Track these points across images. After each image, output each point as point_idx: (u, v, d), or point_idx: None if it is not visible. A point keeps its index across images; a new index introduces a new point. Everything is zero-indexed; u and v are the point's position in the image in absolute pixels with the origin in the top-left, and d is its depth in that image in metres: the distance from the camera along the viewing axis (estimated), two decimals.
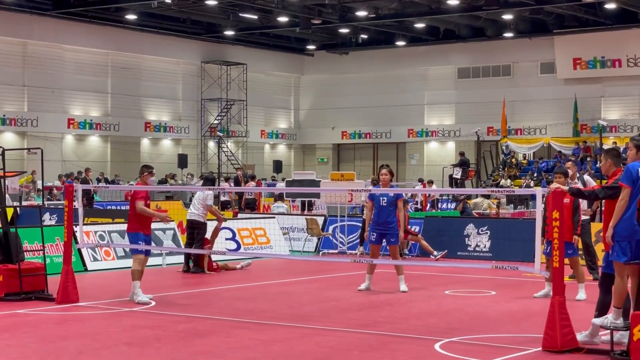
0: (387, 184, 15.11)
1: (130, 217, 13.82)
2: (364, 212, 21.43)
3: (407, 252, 20.95)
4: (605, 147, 40.64)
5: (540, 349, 9.78)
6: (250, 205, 31.07)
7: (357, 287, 15.37)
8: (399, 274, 15.10)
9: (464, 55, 51.63)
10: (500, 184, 42.20)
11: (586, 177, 17.69)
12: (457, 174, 40.85)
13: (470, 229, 20.95)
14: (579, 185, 15.87)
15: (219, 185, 38.88)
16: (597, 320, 9.85)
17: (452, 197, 32.67)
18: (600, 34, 46.29)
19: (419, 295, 14.60)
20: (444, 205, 33.37)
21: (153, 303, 13.36)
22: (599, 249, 18.78)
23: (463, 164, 41.64)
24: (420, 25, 48.23)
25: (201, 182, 22.06)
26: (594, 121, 44.99)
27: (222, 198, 31.94)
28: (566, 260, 12.11)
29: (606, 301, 9.93)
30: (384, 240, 15.04)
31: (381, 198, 14.96)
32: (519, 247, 18.68)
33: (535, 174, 43.15)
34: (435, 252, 20.28)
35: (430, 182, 38.84)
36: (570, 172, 16.22)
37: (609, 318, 9.65)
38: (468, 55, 51.47)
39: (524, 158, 47.62)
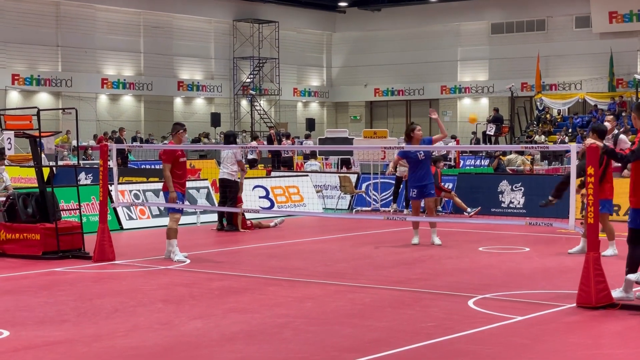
0: (419, 140, 15.21)
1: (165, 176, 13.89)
2: (397, 169, 21.35)
3: (440, 209, 20.92)
4: None
5: (574, 305, 9.76)
6: (287, 164, 31.11)
7: (390, 244, 15.44)
8: (431, 227, 15.36)
9: (497, 10, 51.10)
10: (535, 140, 41.91)
11: (622, 136, 17.52)
12: (491, 130, 40.60)
13: (504, 185, 20.86)
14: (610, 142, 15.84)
15: (245, 141, 38.95)
16: (632, 276, 9.80)
17: (486, 154, 32.50)
18: None
19: (452, 252, 14.60)
20: (477, 162, 33.20)
21: (188, 261, 13.48)
22: (625, 205, 18.67)
23: (497, 120, 41.37)
24: None
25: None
26: (630, 76, 44.48)
27: (250, 156, 32.03)
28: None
29: (635, 256, 9.86)
30: (423, 194, 15.21)
31: (419, 153, 15.03)
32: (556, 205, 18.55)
33: (570, 130, 42.79)
34: (468, 209, 20.23)
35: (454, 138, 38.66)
36: (609, 125, 16.21)
37: None
38: (501, 10, 50.93)
39: (559, 114, 47.22)
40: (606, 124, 17.14)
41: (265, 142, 37.38)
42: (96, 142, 37.78)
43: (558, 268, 12.82)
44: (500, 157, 27.43)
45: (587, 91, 46.83)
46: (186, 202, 18.89)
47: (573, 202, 10.41)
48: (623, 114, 42.03)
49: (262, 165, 30.54)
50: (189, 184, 20.22)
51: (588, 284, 9.66)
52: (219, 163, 18.68)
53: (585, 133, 39.19)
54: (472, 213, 20.17)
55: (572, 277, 10.54)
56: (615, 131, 17.19)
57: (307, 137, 42.58)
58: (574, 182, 10.38)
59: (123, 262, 13.49)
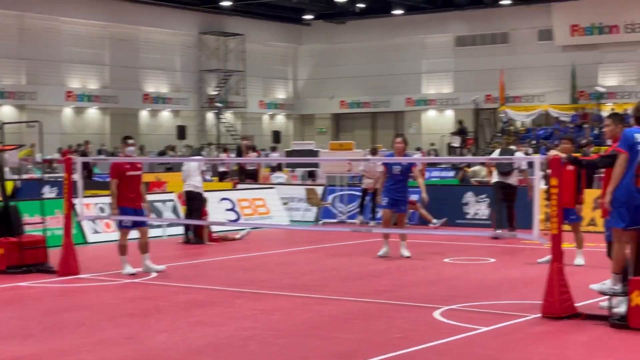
0: (401, 152, 15.27)
1: (118, 192, 13.78)
2: (363, 181, 21.50)
3: (406, 221, 20.96)
4: (603, 113, 40.71)
5: (540, 315, 9.83)
6: (253, 176, 31.04)
7: (356, 256, 15.48)
8: (402, 239, 15.31)
9: (462, 23, 51.47)
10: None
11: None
12: (456, 142, 40.86)
13: (469, 197, 20.99)
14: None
15: (217, 155, 38.86)
16: (596, 286, 9.90)
17: (451, 166, 32.69)
18: (598, 0, 46.14)
19: (418, 263, 14.66)
20: (443, 174, 33.39)
21: (153, 274, 13.42)
22: (598, 215, 18.88)
23: (461, 132, 41.65)
24: None
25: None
26: (592, 88, 44.97)
27: (220, 169, 31.93)
28: (567, 227, 12.19)
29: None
30: (395, 207, 15.16)
31: (394, 167, 15.07)
32: (518, 215, 18.68)
33: (533, 142, 43.14)
34: (434, 220, 20.33)
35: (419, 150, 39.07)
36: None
37: (607, 284, 9.70)
38: (466, 23, 51.31)
39: (522, 126, 47.60)
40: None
41: (234, 155, 37.29)
42: (61, 155, 37.51)
43: (523, 279, 12.91)
44: (465, 168, 27.59)
45: (550, 103, 47.24)
46: (152, 215, 18.84)
47: (537, 213, 10.50)
48: (585, 125, 42.48)
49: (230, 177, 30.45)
50: (154, 197, 20.18)
51: (553, 294, 9.74)
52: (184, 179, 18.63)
53: (549, 144, 39.57)
54: (437, 224, 20.27)
55: (537, 287, 10.62)
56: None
57: (273, 149, 42.59)
58: (537, 193, 10.47)
59: (88, 276, 13.41)
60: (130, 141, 14.16)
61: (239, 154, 33.85)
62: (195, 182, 18.07)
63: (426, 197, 15.79)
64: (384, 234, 15.45)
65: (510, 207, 18.24)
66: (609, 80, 47.37)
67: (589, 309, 9.97)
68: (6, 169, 15.58)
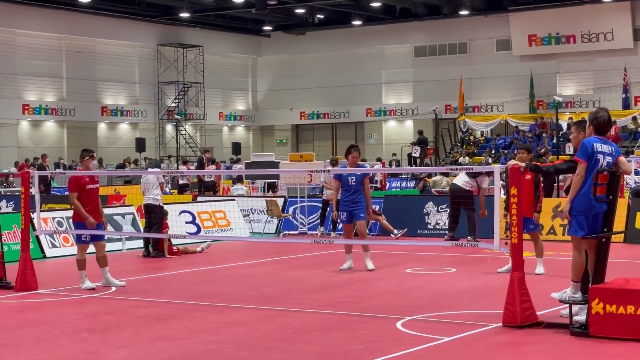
0: (354, 164, 15.18)
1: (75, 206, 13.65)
2: (324, 192, 21.48)
3: (367, 232, 20.97)
4: (561, 122, 41.13)
5: (500, 324, 9.86)
6: (211, 188, 30.94)
7: (318, 268, 15.43)
8: (365, 251, 15.16)
9: (421, 34, 51.75)
10: (459, 161, 42.44)
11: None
12: (416, 152, 40.99)
13: (429, 207, 21.06)
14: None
15: (177, 168, 38.70)
16: (556, 295, 9.95)
17: (411, 176, 32.81)
18: (555, 10, 46.67)
19: (380, 274, 14.65)
20: (403, 184, 33.50)
21: (112, 289, 13.29)
22: (557, 224, 19.04)
23: (421, 142, 41.79)
24: (376, 4, 48.25)
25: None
26: (550, 97, 45.38)
27: (181, 181, 31.76)
28: (527, 236, 12.26)
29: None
30: (353, 218, 15.10)
31: (350, 178, 15.01)
32: (478, 224, 18.78)
33: (493, 151, 43.45)
34: (395, 231, 20.36)
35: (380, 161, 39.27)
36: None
37: (567, 292, 9.75)
38: (424, 33, 51.60)
39: (482, 135, 47.95)
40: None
41: (193, 167, 37.14)
42: (17, 169, 37.10)
43: (484, 288, 12.95)
44: (426, 178, 27.70)
45: (508, 113, 47.63)
46: (110, 229, 18.68)
47: (497, 222, 10.55)
48: (544, 135, 42.86)
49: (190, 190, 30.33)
50: (113, 210, 20.02)
51: (513, 303, 9.78)
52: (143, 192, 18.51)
53: (507, 153, 39.86)
54: (399, 235, 20.30)
55: (498, 296, 10.66)
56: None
57: (237, 161, 42.43)
58: (498, 202, 10.51)
59: (46, 291, 13.24)
60: (93, 155, 14.03)
61: (201, 166, 33.75)
62: (154, 195, 17.95)
63: (370, 214, 15.87)
64: (347, 248, 15.29)
65: (470, 215, 18.34)
66: (566, 89, 47.90)
67: (551, 318, 10.01)
68: None
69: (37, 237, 17.64)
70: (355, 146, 15.60)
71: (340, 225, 16.30)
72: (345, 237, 15.50)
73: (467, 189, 18.38)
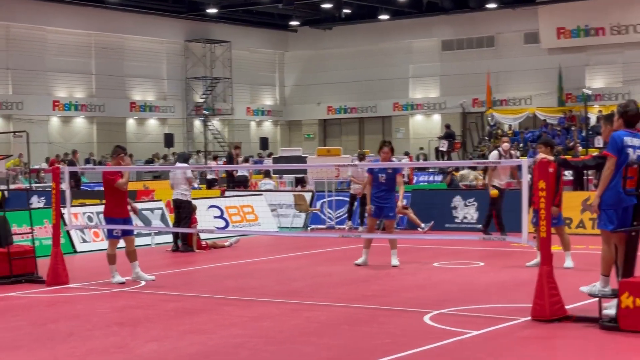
0: (387, 160, 15.13)
1: (106, 201, 13.78)
2: (351, 186, 21.51)
3: (395, 226, 20.97)
4: (590, 116, 40.84)
5: (529, 318, 9.84)
6: (243, 183, 31.04)
7: (346, 262, 15.44)
8: (392, 247, 15.03)
9: (448, 28, 51.55)
10: (487, 155, 42.24)
11: (517, 152, 18.63)
12: (443, 146, 40.91)
13: (457, 201, 21.02)
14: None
15: (205, 163, 38.85)
16: (585, 289, 9.91)
17: (439, 170, 32.75)
18: (584, 2, 46.32)
19: (408, 268, 14.66)
20: (431, 178, 33.44)
21: (142, 283, 13.40)
22: (587, 218, 18.94)
23: (449, 136, 41.70)
24: None
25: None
26: (579, 90, 45.07)
27: (209, 176, 31.91)
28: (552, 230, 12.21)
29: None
30: (382, 214, 15.06)
31: (380, 175, 14.96)
32: (506, 218, 18.70)
33: (521, 145, 43.22)
34: (422, 225, 20.35)
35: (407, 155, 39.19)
36: (507, 146, 17.25)
37: (597, 286, 9.71)
38: (451, 27, 51.40)
39: (510, 129, 47.69)
40: (504, 145, 17.90)
41: (221, 162, 37.26)
42: (48, 165, 37.40)
43: (512, 282, 12.93)
44: (453, 172, 27.64)
45: (537, 106, 47.36)
46: (140, 224, 18.82)
47: (525, 216, 10.52)
48: (572, 128, 42.57)
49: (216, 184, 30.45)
50: (142, 205, 20.15)
51: (542, 297, 9.75)
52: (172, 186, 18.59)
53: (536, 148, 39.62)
54: (426, 228, 20.29)
55: (527, 290, 10.64)
56: (512, 152, 18.22)
57: (269, 156, 42.42)
58: (525, 196, 10.48)
59: (77, 285, 13.37)
60: (125, 152, 14.14)
61: (230, 161, 33.83)
62: (182, 190, 18.03)
63: (401, 205, 15.74)
64: (365, 243, 15.19)
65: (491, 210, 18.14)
66: (595, 82, 47.54)
67: (580, 312, 9.98)
68: None
69: (68, 232, 17.82)
70: (387, 142, 15.45)
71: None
72: (367, 231, 15.42)
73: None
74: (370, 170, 15.34)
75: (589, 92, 40.58)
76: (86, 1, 45.56)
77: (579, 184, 25.62)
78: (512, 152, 19.22)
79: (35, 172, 36.41)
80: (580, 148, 33.33)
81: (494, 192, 17.09)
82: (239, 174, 31.43)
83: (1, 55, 43.82)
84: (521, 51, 49.92)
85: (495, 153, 18.28)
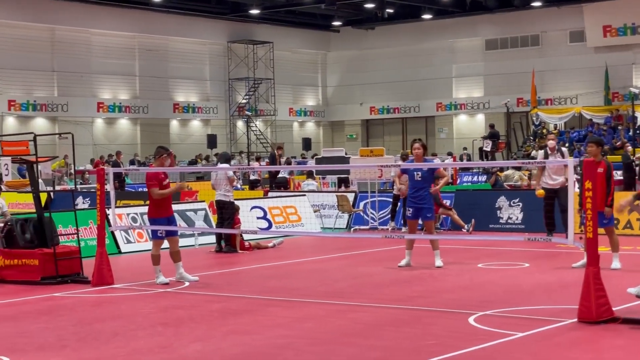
0: (420, 158, 14.94)
1: (150, 202, 13.84)
2: (394, 187, 21.42)
3: (439, 226, 20.88)
4: (638, 115, 40.30)
5: (575, 320, 9.72)
6: (282, 185, 31.10)
7: (389, 263, 15.38)
8: (434, 248, 14.88)
9: (492, 27, 51.23)
10: (532, 155, 41.90)
11: (564, 149, 18.18)
12: (487, 146, 40.63)
13: (502, 201, 20.86)
14: (559, 157, 16.44)
15: (248, 164, 38.95)
16: (633, 290, 9.78)
17: (483, 170, 32.53)
18: (630, 0, 45.72)
19: (452, 269, 14.56)
20: (475, 178, 33.23)
21: (186, 284, 13.45)
22: (634, 218, 18.68)
23: (493, 136, 41.42)
24: None
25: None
26: (626, 89, 44.51)
27: (252, 177, 31.97)
28: (602, 230, 12.04)
29: None
30: (420, 215, 14.91)
31: (415, 172, 14.83)
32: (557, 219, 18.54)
33: (567, 144, 42.78)
34: (466, 226, 20.21)
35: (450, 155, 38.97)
36: (552, 143, 16.93)
37: None
38: (495, 26, 51.07)
39: (555, 128, 47.21)
40: (549, 142, 17.61)
41: (264, 163, 37.34)
42: (93, 166, 37.75)
43: (558, 283, 12.79)
44: (498, 173, 27.43)
45: (582, 105, 46.86)
46: (183, 224, 18.91)
47: (572, 216, 10.39)
48: (619, 127, 42.07)
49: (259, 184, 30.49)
50: (186, 206, 20.26)
51: (588, 299, 9.63)
52: (213, 187, 18.62)
53: (581, 147, 39.24)
54: (470, 229, 20.15)
55: (573, 292, 10.51)
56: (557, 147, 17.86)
57: (312, 156, 42.43)
58: (572, 196, 10.36)
59: (122, 285, 13.46)
60: (171, 153, 14.19)
61: (273, 162, 33.89)
62: (224, 191, 18.05)
63: (435, 191, 15.35)
64: (408, 244, 15.04)
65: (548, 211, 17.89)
66: None
67: (627, 313, 9.84)
68: (40, 181, 15.70)
69: (113, 233, 17.95)
70: (417, 140, 15.35)
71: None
72: (409, 233, 15.27)
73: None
74: (404, 170, 15.20)
75: (636, 90, 39.97)
76: (130, 3, 45.95)
77: (630, 184, 25.28)
78: (563, 149, 18.91)
79: (80, 173, 36.75)
80: (629, 147, 32.88)
81: (540, 192, 16.87)
82: (280, 175, 31.47)
83: (46, 58, 44.33)
84: (567, 50, 49.45)
85: (541, 152, 18.01)
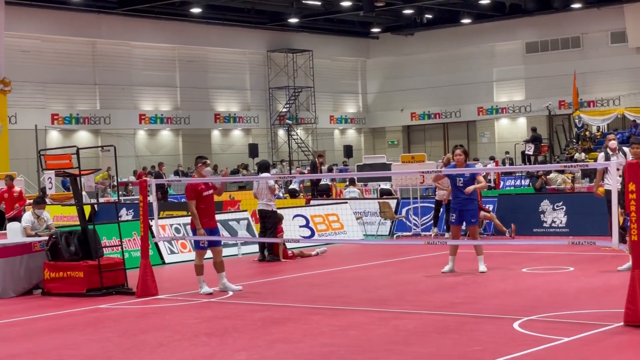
0: (462, 164, 14.88)
1: None
2: (436, 192, 21.33)
3: (482, 231, 20.75)
4: None
5: (622, 323, 9.62)
6: (325, 192, 31.10)
7: (432, 269, 15.32)
8: (478, 254, 14.81)
9: (531, 29, 50.93)
10: (575, 157, 41.54)
11: (625, 148, 17.67)
12: (530, 150, 40.31)
13: (545, 205, 20.69)
14: (621, 159, 16.02)
15: (289, 172, 39.04)
16: None
17: (526, 174, 32.30)
18: None
19: (495, 274, 14.47)
20: (517, 182, 33.01)
21: (230, 294, 13.49)
22: None
23: (535, 139, 41.10)
24: (485, 1, 47.71)
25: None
26: None
27: (290, 187, 32.00)
28: None
29: None
30: (463, 220, 14.88)
31: (457, 179, 14.78)
32: (596, 222, 18.37)
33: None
34: (507, 231, 20.08)
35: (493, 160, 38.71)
36: (614, 144, 16.54)
37: None
38: (535, 29, 50.76)
39: (598, 130, 46.75)
40: (611, 142, 17.27)
41: (305, 172, 37.38)
42: (136, 177, 38.06)
43: (604, 287, 12.65)
44: (543, 176, 27.24)
45: (625, 106, 46.36)
46: (226, 234, 18.98)
47: (616, 219, 10.28)
48: None
49: (302, 194, 30.55)
50: (229, 216, 20.34)
51: (635, 302, 9.51)
52: (255, 195, 18.63)
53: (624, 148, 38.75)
54: (511, 234, 20.01)
55: (619, 295, 10.39)
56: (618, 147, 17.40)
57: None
58: (615, 199, 10.24)
59: (166, 296, 13.54)
60: (207, 162, 14.22)
61: (314, 170, 33.92)
62: (266, 200, 18.08)
63: (469, 190, 15.06)
64: (451, 250, 14.96)
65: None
66: None
67: None
68: (84, 193, 15.85)
69: (156, 244, 18.07)
70: (458, 146, 15.31)
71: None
72: (452, 238, 15.22)
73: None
74: (449, 176, 15.12)
75: None
76: (170, 15, 46.34)
77: None
78: (625, 148, 18.53)
79: (123, 185, 37.09)
80: None
81: (600, 191, 16.55)
82: (322, 183, 31.48)
83: (88, 71, 44.83)
84: (608, 51, 49.01)
85: (602, 154, 17.69)
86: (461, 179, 14.73)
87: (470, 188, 14.71)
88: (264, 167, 19.00)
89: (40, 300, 13.91)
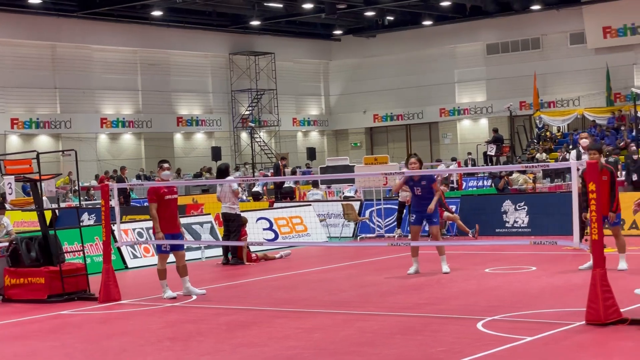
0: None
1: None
2: (400, 194, 21.36)
3: (445, 232, 20.85)
4: None
5: (584, 322, 9.70)
6: (289, 195, 31.07)
7: (396, 270, 15.36)
8: (440, 254, 14.92)
9: (492, 31, 51.25)
10: (536, 158, 41.88)
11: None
12: (492, 150, 40.57)
13: (507, 205, 20.83)
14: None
15: (253, 175, 38.96)
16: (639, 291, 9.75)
17: (489, 174, 32.50)
18: (629, 0, 45.74)
19: (459, 274, 14.54)
20: (480, 183, 33.21)
21: (193, 298, 13.44)
22: (630, 218, 18.65)
23: (497, 140, 41.37)
24: (446, 3, 47.95)
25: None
26: (628, 89, 44.49)
27: (254, 189, 31.94)
28: (608, 231, 12.00)
29: None
30: (425, 221, 14.96)
31: (415, 188, 14.85)
32: (557, 221, 18.53)
33: (570, 146, 42.71)
34: (470, 231, 20.20)
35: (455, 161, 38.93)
36: (586, 142, 16.63)
37: None
38: (496, 30, 51.09)
39: (559, 130, 47.19)
40: (582, 141, 17.41)
41: (268, 174, 37.35)
42: (97, 182, 37.78)
43: (565, 286, 12.76)
44: (506, 177, 27.41)
45: (585, 107, 46.80)
46: (189, 238, 18.90)
47: (576, 219, 10.37)
48: (622, 128, 42.03)
49: (266, 197, 30.51)
50: (192, 220, 20.24)
51: (596, 301, 9.60)
52: (218, 199, 18.54)
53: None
54: (475, 234, 20.13)
55: (580, 294, 10.49)
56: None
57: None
58: (575, 199, 10.33)
59: (129, 301, 13.45)
60: (165, 165, 14.15)
61: (277, 172, 33.88)
62: (229, 204, 18.03)
63: (432, 209, 15.16)
64: (413, 251, 15.00)
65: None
66: None
67: (635, 314, 9.81)
68: (44, 199, 15.70)
69: (119, 249, 17.95)
70: (412, 154, 15.37)
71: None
72: (412, 239, 15.28)
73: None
74: (407, 182, 15.14)
75: (638, 91, 39.96)
76: (131, 18, 46.04)
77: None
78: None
79: (85, 189, 36.79)
80: (633, 147, 32.79)
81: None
82: (285, 185, 31.45)
83: (48, 75, 44.43)
84: (567, 52, 49.45)
85: (574, 152, 17.81)
86: (419, 188, 14.80)
87: (432, 207, 14.79)
88: (223, 171, 18.66)
89: (0, 307, 13.75)
